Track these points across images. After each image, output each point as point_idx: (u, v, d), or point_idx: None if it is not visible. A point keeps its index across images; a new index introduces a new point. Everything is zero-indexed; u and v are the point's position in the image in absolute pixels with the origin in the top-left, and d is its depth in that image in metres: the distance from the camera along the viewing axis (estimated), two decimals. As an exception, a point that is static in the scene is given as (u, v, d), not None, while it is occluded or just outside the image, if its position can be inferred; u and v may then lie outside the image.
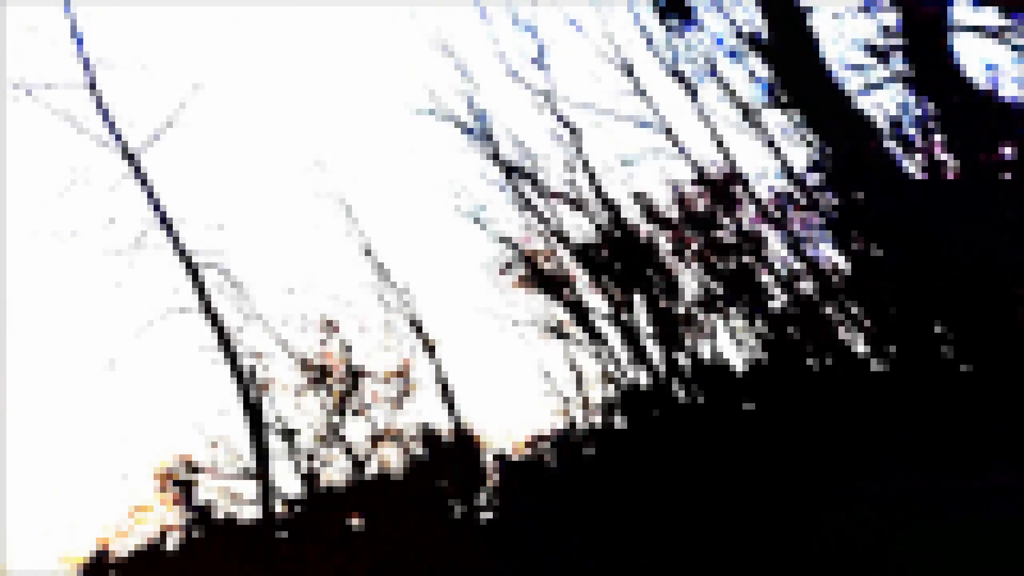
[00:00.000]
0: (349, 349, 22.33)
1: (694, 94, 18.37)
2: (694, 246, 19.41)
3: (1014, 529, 6.41)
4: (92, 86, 18.48)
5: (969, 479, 8.61)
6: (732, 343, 18.62)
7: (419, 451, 20.18)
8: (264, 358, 20.80)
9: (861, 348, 14.17)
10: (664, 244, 20.09)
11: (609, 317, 21.05)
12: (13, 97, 18.00)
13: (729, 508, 11.73)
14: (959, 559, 6.17)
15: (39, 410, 50.13)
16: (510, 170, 22.79)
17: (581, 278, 21.99)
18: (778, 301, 17.09)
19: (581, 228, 21.58)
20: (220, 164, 39.08)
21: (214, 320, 17.79)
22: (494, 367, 36.16)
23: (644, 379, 19.90)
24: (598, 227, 20.98)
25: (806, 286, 16.39)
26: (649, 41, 18.84)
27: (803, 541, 8.41)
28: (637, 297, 20.40)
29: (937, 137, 11.89)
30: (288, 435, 19.97)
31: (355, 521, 16.93)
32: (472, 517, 17.09)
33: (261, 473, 16.47)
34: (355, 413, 21.24)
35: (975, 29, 11.49)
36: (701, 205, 19.25)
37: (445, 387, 23.35)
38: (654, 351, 19.85)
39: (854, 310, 14.47)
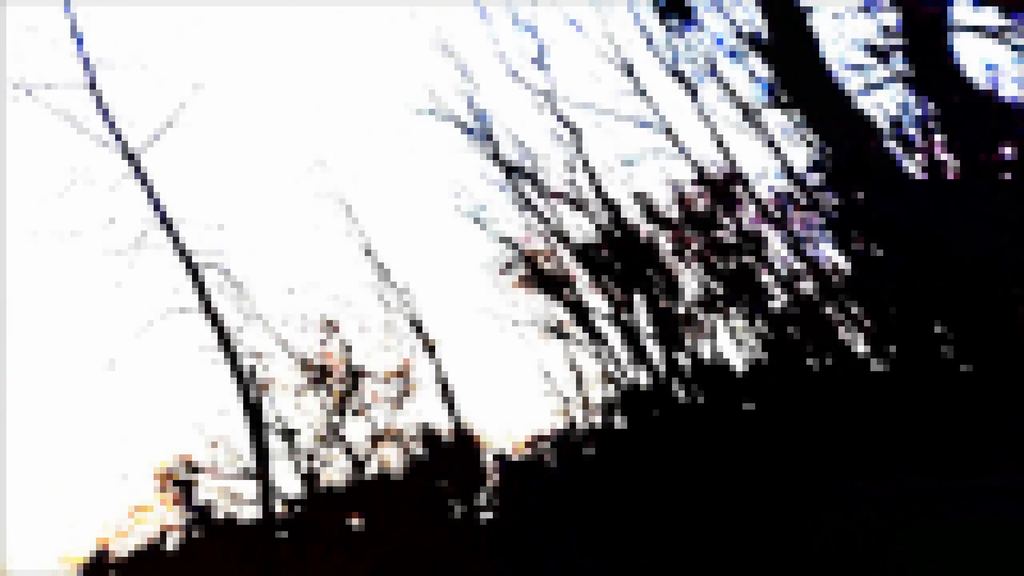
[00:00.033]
0: (349, 349, 22.33)
1: (694, 94, 18.37)
2: (694, 246, 19.40)
3: (1014, 529, 6.40)
4: (92, 86, 18.49)
5: (969, 479, 8.60)
6: (732, 343, 18.62)
7: (419, 451, 20.18)
8: (264, 358, 20.81)
9: (861, 348, 14.16)
10: (664, 244, 20.08)
11: (609, 317, 21.04)
12: (13, 97, 18.00)
13: (729, 508, 11.72)
14: (959, 559, 6.16)
15: (39, 410, 50.14)
16: (510, 170, 22.79)
17: (581, 278, 21.99)
18: (778, 301, 17.08)
19: (581, 228, 21.58)
20: (221, 164, 39.09)
21: (214, 320, 17.78)
22: (494, 367, 36.17)
23: (644, 379, 19.90)
24: (598, 227, 20.97)
25: (806, 286, 16.38)
26: (649, 41, 18.84)
27: (803, 541, 8.40)
28: (637, 297, 20.40)
29: (937, 137, 11.88)
30: (288, 435, 19.97)
31: (355, 521, 16.93)
32: (472, 517, 17.08)
33: (261, 473, 16.46)
34: (355, 413, 21.24)
35: (975, 29, 11.48)
36: (701, 205, 19.24)
37: (445, 387, 23.35)
38: (654, 351, 19.84)
39: (854, 310, 14.46)
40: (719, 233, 18.87)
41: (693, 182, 19.06)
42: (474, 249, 31.32)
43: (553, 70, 21.98)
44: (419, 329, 24.25)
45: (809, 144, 14.21)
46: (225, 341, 17.67)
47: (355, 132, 46.18)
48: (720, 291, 18.74)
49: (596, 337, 21.60)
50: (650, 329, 19.90)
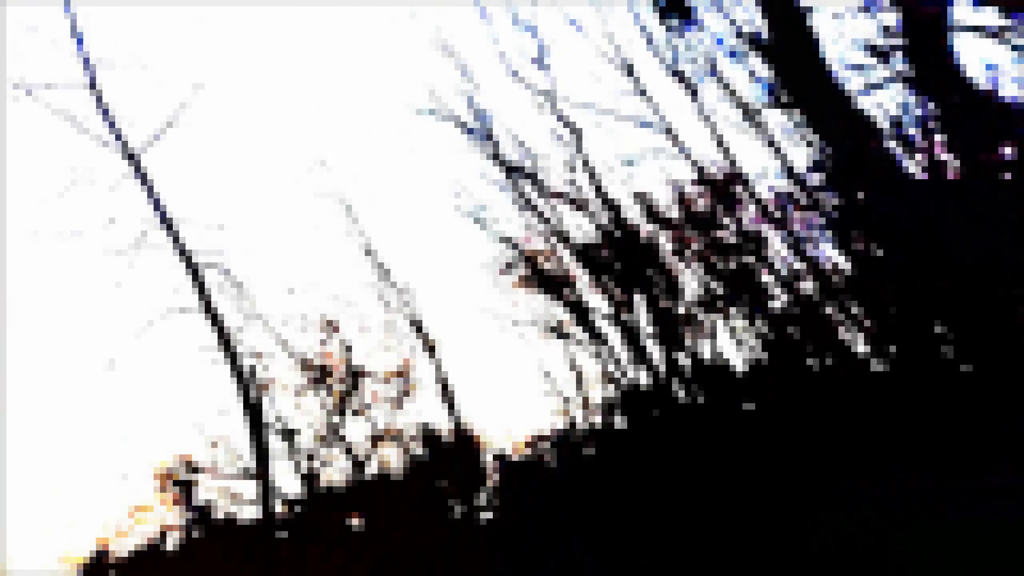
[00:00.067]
0: (349, 349, 22.33)
1: (695, 94, 18.37)
2: (695, 246, 19.40)
3: (1014, 529, 6.39)
4: (92, 86, 18.49)
5: (969, 479, 8.59)
6: (733, 343, 18.61)
7: (419, 451, 20.18)
8: (264, 358, 20.81)
9: (861, 348, 14.15)
10: (665, 244, 20.08)
11: (610, 317, 21.04)
12: (13, 97, 18.01)
13: (729, 508, 11.71)
14: (959, 559, 6.16)
15: (39, 410, 50.15)
16: (511, 170, 22.79)
17: (582, 278, 21.99)
18: (779, 301, 17.07)
19: (582, 228, 21.58)
20: (221, 164, 39.10)
21: (214, 320, 17.79)
22: (494, 367, 36.17)
23: (644, 379, 19.89)
24: (599, 227, 20.97)
25: (807, 286, 16.37)
26: (649, 41, 18.83)
27: (803, 541, 8.40)
28: (638, 297, 20.40)
29: (938, 137, 11.88)
30: (288, 435, 19.97)
31: (355, 521, 16.93)
32: (472, 517, 17.08)
33: (261, 473, 16.46)
34: (355, 413, 21.24)
35: (975, 29, 11.48)
36: (702, 205, 19.24)
37: (445, 387, 23.35)
38: (654, 351, 19.84)
39: (855, 310, 14.45)
40: (719, 233, 18.87)
41: (693, 182, 19.06)
42: (474, 249, 31.34)
43: (553, 70, 21.98)
44: (419, 329, 24.25)
45: (809, 144, 14.21)
46: (225, 341, 17.68)
47: (355, 132, 46.19)
48: (720, 291, 18.74)
49: (596, 337, 21.60)
50: (650, 329, 19.90)
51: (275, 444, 19.85)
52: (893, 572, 6.40)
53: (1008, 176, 10.78)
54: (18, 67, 18.48)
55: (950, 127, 11.60)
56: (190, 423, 19.67)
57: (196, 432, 19.54)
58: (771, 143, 16.52)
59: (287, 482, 19.40)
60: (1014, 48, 11.05)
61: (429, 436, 20.18)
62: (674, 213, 19.79)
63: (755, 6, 14.75)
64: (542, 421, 24.71)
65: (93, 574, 18.24)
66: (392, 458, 20.39)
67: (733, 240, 18.47)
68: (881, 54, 12.70)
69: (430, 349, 23.95)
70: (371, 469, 20.19)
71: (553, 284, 22.56)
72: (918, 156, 12.15)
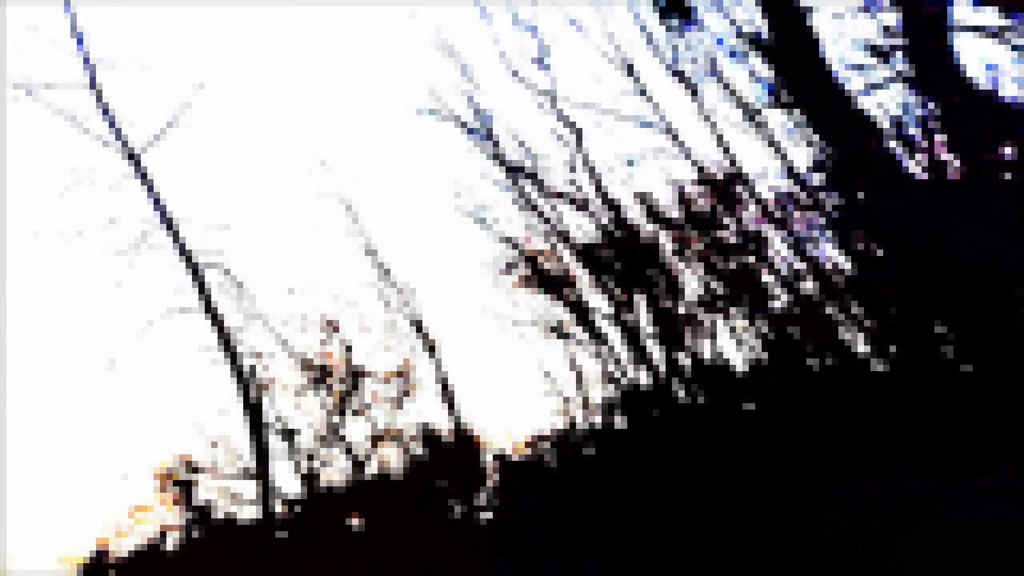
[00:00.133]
0: (350, 349, 22.33)
1: (695, 94, 18.36)
2: (696, 246, 19.38)
3: (1014, 529, 6.38)
4: (93, 86, 18.50)
5: (969, 479, 8.58)
6: (733, 343, 18.60)
7: (419, 451, 20.17)
8: (265, 358, 20.81)
9: (862, 348, 14.14)
10: (666, 244, 20.06)
11: (610, 317, 21.03)
12: (14, 97, 18.02)
13: (729, 508, 11.70)
14: (959, 559, 6.14)
15: (39, 410, 50.19)
16: (512, 170, 22.78)
17: (582, 278, 21.98)
18: (779, 301, 17.05)
19: (583, 228, 21.57)
20: (222, 164, 39.11)
21: (215, 320, 17.79)
22: (494, 367, 36.16)
23: (645, 379, 19.88)
24: (600, 227, 20.96)
25: (808, 286, 16.36)
26: (650, 41, 18.83)
27: (803, 541, 8.39)
28: (638, 297, 20.39)
29: (938, 137, 11.87)
30: (288, 435, 19.97)
31: (355, 521, 16.93)
32: (472, 517, 17.07)
33: (261, 473, 16.46)
34: (355, 413, 21.23)
35: (975, 29, 11.46)
36: (703, 205, 19.22)
37: (445, 387, 23.35)
38: (655, 351, 19.83)
39: (855, 310, 14.43)
40: (720, 233, 18.85)
41: (694, 182, 19.05)
42: (475, 249, 31.32)
43: (554, 70, 21.97)
44: (420, 329, 24.25)
45: (810, 144, 14.20)
46: (226, 341, 17.68)
47: (356, 132, 46.20)
48: (721, 291, 18.72)
49: (597, 337, 21.59)
50: (651, 329, 19.89)
51: (275, 444, 19.85)
52: (893, 572, 6.39)
53: (1008, 176, 10.76)
54: (19, 67, 18.49)
55: (951, 127, 11.59)
56: (190, 423, 19.68)
57: (196, 432, 19.55)
58: (772, 143, 16.51)
59: (287, 482, 19.42)
60: (1014, 48, 11.04)
61: (429, 436, 20.18)
62: (675, 213, 19.78)
63: (755, 6, 14.75)
64: (542, 421, 24.72)
65: (93, 574, 18.25)
66: (392, 458, 20.39)
67: (734, 240, 18.46)
68: (882, 54, 12.70)
69: (430, 349, 23.95)
70: (371, 469, 20.19)
71: (554, 284, 22.55)
72: (919, 156, 12.14)
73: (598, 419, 18.24)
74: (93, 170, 18.79)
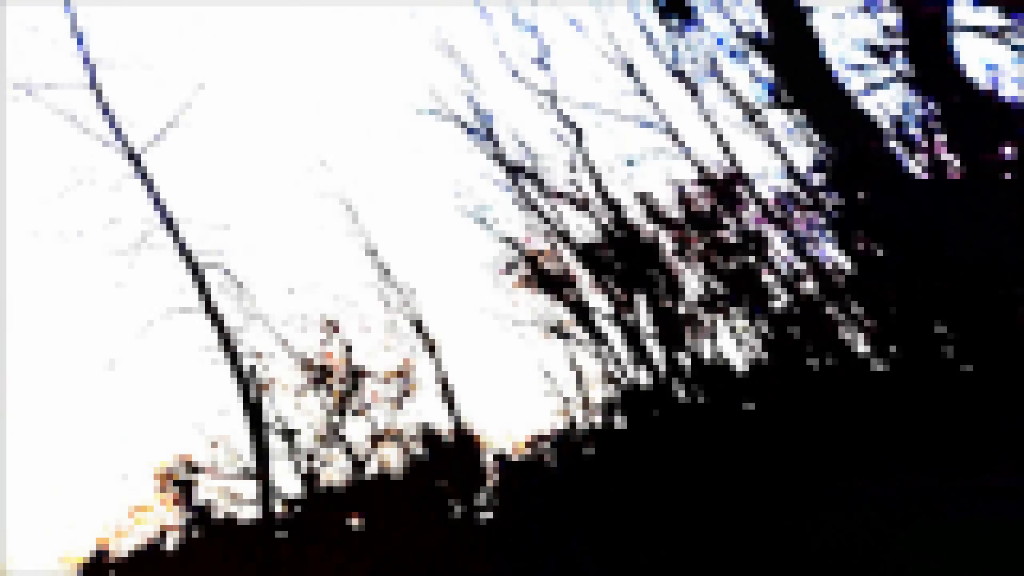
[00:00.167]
0: (350, 349, 22.33)
1: (696, 94, 18.35)
2: (696, 246, 19.37)
3: (1014, 529, 6.37)
4: (93, 85, 18.51)
5: (969, 479, 8.57)
6: (733, 343, 18.59)
7: (419, 451, 20.17)
8: (265, 358, 20.81)
9: (862, 348, 14.13)
10: (666, 244, 20.05)
11: (611, 317, 21.02)
12: (14, 97, 18.03)
13: (729, 508, 11.70)
14: (959, 559, 6.14)
15: (39, 410, 50.21)
16: (513, 170, 22.78)
17: (583, 278, 21.98)
18: (780, 301, 17.04)
19: (583, 228, 21.57)
20: (223, 164, 39.12)
21: (215, 320, 17.79)
22: (494, 367, 36.16)
23: (645, 379, 19.87)
24: (600, 227, 20.95)
25: (808, 286, 16.35)
26: (650, 41, 18.82)
27: (803, 541, 8.38)
28: (639, 296, 20.38)
29: (939, 137, 11.86)
30: (288, 435, 19.97)
31: (355, 521, 16.92)
32: (472, 517, 17.07)
33: (261, 473, 16.46)
34: (355, 413, 21.23)
35: (975, 29, 11.46)
36: (703, 205, 19.21)
37: (445, 387, 23.34)
38: (655, 351, 19.82)
39: (856, 310, 14.42)
40: (721, 233, 18.85)
41: (695, 182, 19.04)
42: (476, 249, 31.31)
43: (554, 70, 21.96)
44: (420, 329, 24.25)
45: (811, 144, 14.20)
46: (226, 341, 17.68)
47: (357, 132, 46.21)
48: (722, 291, 18.71)
49: (597, 337, 21.59)
50: (651, 329, 19.88)
51: (275, 444, 19.85)
52: (893, 572, 6.38)
53: (1009, 176, 10.76)
54: (19, 67, 18.50)
55: (951, 127, 11.58)
56: (190, 423, 19.68)
57: (196, 432, 19.55)
58: (772, 143, 16.51)
59: (287, 482, 19.42)
60: (1014, 48, 11.03)
61: (429, 436, 20.17)
62: (675, 213, 19.77)
63: (755, 6, 14.74)
64: (542, 421, 24.72)
65: (93, 574, 18.25)
66: (392, 458, 20.39)
67: (734, 240, 18.45)
68: (882, 54, 12.69)
69: (430, 349, 23.94)
70: (371, 469, 20.18)
71: (554, 284, 22.55)
72: (919, 156, 12.14)
73: (598, 419, 18.24)
74: (93, 170, 18.79)
